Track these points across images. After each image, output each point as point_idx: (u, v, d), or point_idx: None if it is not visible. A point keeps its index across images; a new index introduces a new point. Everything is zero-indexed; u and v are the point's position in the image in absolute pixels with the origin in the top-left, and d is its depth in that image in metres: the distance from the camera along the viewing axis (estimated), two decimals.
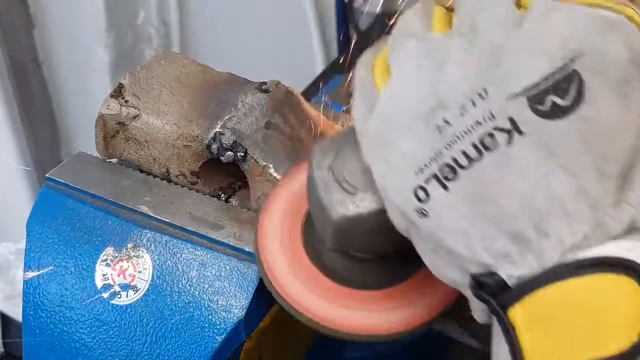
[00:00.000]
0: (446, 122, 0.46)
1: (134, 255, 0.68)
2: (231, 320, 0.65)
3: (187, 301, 0.66)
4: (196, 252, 0.67)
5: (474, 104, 0.46)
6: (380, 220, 0.53)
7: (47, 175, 0.73)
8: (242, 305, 0.65)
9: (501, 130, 0.45)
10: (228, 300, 0.65)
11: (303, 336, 0.98)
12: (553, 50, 0.45)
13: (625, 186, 0.45)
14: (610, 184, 0.44)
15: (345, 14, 1.35)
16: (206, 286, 0.66)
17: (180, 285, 0.67)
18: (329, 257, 0.62)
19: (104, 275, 0.68)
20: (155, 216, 0.69)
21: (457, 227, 0.47)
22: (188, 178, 0.74)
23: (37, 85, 1.73)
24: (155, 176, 0.74)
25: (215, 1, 1.65)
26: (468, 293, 0.50)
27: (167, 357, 0.66)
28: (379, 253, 0.60)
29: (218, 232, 0.68)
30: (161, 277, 0.67)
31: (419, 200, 0.48)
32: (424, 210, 0.48)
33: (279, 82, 0.75)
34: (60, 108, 1.80)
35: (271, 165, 0.69)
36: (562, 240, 0.45)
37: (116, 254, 0.69)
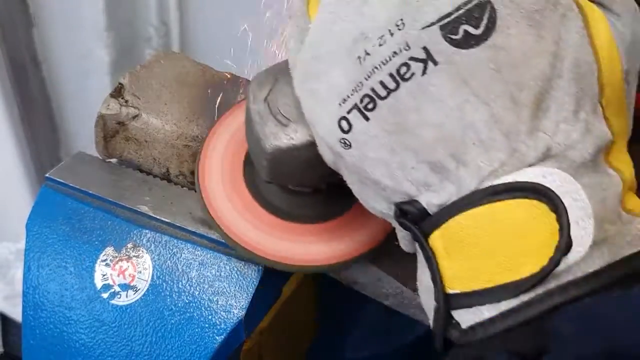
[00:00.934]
0: (367, 53, 0.47)
1: (133, 256, 0.68)
2: (231, 320, 0.65)
3: (187, 301, 0.66)
4: (196, 252, 0.67)
5: (391, 34, 0.46)
6: (312, 152, 0.54)
7: (46, 175, 0.73)
8: (242, 305, 0.65)
9: (416, 60, 0.45)
10: (228, 300, 0.65)
11: (303, 336, 0.99)
12: None
13: (540, 114, 0.45)
14: (524, 112, 0.45)
15: None
16: (206, 286, 0.66)
17: (180, 286, 0.67)
18: (268, 191, 0.64)
19: (103, 275, 0.68)
20: (155, 216, 0.69)
21: (379, 158, 0.48)
22: (188, 178, 0.74)
23: (37, 85, 1.73)
24: (155, 176, 0.74)
25: (215, 1, 1.65)
26: (394, 223, 0.51)
27: (167, 357, 0.66)
28: (312, 186, 0.61)
29: None
30: (161, 277, 0.67)
31: (343, 131, 0.48)
32: (347, 140, 0.48)
33: None
34: (60, 108, 1.80)
35: None
36: (479, 168, 0.45)
37: (116, 254, 0.69)
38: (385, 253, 0.66)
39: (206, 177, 0.65)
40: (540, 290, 0.43)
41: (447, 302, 0.46)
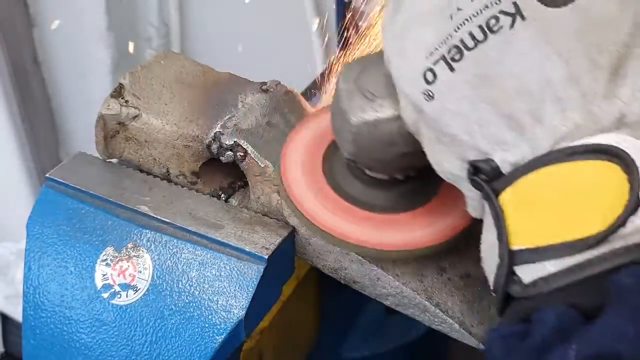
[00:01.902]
0: (458, 8, 0.50)
1: (134, 255, 0.68)
2: (231, 320, 0.65)
3: (187, 301, 0.66)
4: (196, 252, 0.67)
5: None
6: (395, 128, 0.58)
7: (47, 175, 0.73)
8: (242, 305, 0.65)
9: (505, 13, 0.48)
10: (228, 300, 0.65)
11: (303, 336, 0.99)
12: None
13: (617, 80, 0.47)
14: (601, 74, 0.47)
15: (345, 14, 1.35)
16: (206, 286, 0.66)
17: (180, 285, 0.67)
18: (348, 184, 0.67)
19: (104, 275, 0.68)
20: (156, 216, 0.69)
21: (459, 110, 0.50)
22: (188, 178, 0.74)
23: (37, 85, 1.73)
24: (155, 176, 0.74)
25: (215, 1, 1.65)
26: (464, 186, 0.53)
27: (167, 357, 0.66)
28: (389, 171, 0.64)
29: (218, 232, 0.68)
30: (161, 277, 0.67)
31: (427, 82, 0.51)
32: (431, 92, 0.51)
33: (279, 82, 0.75)
34: (60, 108, 1.80)
35: (271, 166, 0.69)
36: (554, 127, 0.47)
37: (116, 254, 0.69)
38: None
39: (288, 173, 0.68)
40: (606, 249, 0.44)
41: (511, 258, 0.48)
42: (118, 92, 0.73)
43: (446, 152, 0.53)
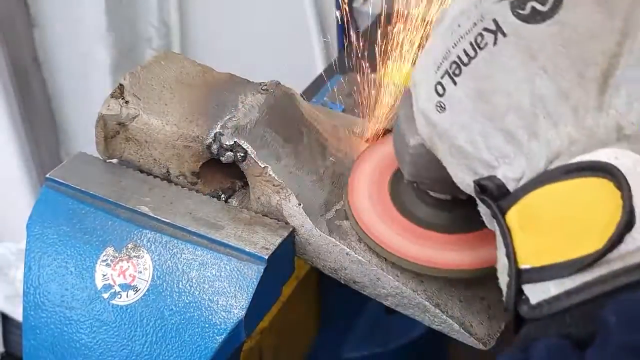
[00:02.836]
0: (458, 25, 0.52)
1: (134, 256, 0.68)
2: (231, 320, 0.65)
3: (187, 301, 0.66)
4: (196, 253, 0.67)
5: (475, 7, 0.51)
6: None
7: (47, 175, 0.73)
8: (242, 305, 0.65)
9: (488, 30, 0.50)
10: (228, 301, 0.65)
11: (303, 336, 0.99)
12: None
13: (610, 91, 0.47)
14: (591, 87, 0.47)
15: (345, 14, 1.35)
16: (206, 286, 0.66)
17: (180, 286, 0.67)
18: (414, 205, 0.70)
19: (104, 275, 0.69)
20: (156, 216, 0.69)
21: (463, 122, 0.52)
22: (188, 178, 0.74)
23: (37, 85, 1.74)
24: (155, 176, 0.74)
25: (215, 2, 1.65)
26: (478, 200, 0.54)
27: (167, 357, 0.66)
28: (448, 190, 0.66)
29: (218, 232, 0.68)
30: (161, 277, 0.67)
31: (438, 94, 0.53)
32: (442, 103, 0.53)
33: (279, 82, 0.75)
34: (60, 108, 1.81)
35: (271, 166, 0.69)
36: (549, 141, 0.48)
37: (116, 254, 0.69)
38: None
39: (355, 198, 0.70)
40: (604, 270, 0.44)
41: (519, 276, 0.48)
42: (118, 93, 0.73)
43: (458, 164, 0.54)
